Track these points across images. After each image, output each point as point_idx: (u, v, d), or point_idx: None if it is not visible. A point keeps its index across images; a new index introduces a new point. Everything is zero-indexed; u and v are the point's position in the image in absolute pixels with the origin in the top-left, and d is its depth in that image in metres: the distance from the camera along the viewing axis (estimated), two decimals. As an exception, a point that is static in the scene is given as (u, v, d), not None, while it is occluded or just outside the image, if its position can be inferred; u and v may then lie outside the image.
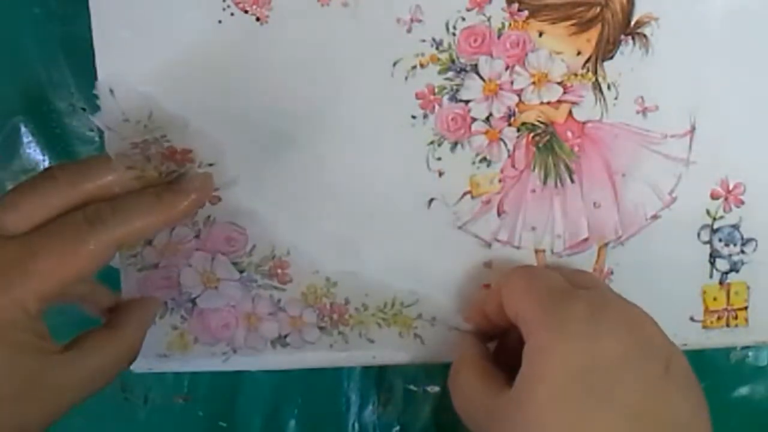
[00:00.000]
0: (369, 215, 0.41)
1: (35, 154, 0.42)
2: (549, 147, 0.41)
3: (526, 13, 0.40)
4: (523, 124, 0.41)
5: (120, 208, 0.34)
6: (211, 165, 0.39)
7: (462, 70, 0.40)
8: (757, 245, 0.42)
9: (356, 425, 0.45)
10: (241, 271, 0.41)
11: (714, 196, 0.42)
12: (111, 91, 0.38)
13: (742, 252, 0.42)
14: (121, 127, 0.38)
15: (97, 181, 0.34)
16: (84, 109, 0.42)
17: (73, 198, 0.34)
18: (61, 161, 0.42)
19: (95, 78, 0.38)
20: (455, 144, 0.40)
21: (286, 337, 0.42)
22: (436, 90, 0.40)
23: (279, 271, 0.41)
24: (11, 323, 0.31)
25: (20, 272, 0.31)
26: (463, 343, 0.40)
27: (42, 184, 0.33)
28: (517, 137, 0.41)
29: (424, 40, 0.40)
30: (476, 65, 0.40)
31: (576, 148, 0.41)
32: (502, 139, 0.41)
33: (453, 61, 0.40)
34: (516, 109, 0.40)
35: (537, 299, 0.35)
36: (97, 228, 0.33)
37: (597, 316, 0.34)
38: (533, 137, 0.41)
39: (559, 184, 0.41)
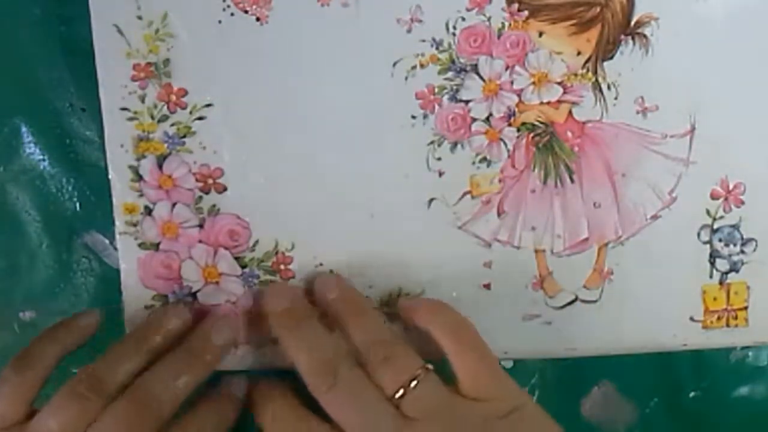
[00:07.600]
0: (369, 215, 0.41)
1: (35, 154, 0.42)
2: (549, 147, 0.41)
3: (526, 13, 0.40)
4: (523, 124, 0.41)
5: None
6: (208, 106, 0.39)
7: (462, 70, 0.40)
8: (757, 245, 0.42)
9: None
10: (243, 267, 0.41)
11: (714, 196, 0.42)
12: None
13: (742, 252, 0.42)
14: (131, 28, 0.38)
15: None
16: (84, 109, 0.42)
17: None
18: (59, 159, 0.42)
19: (95, 78, 0.38)
20: (455, 144, 0.40)
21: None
22: (436, 90, 0.40)
23: (282, 266, 0.41)
24: None
25: None
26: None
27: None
28: (517, 137, 0.41)
29: (424, 40, 0.40)
30: (476, 65, 0.40)
31: (576, 148, 0.41)
32: (502, 139, 0.41)
33: (453, 61, 0.40)
34: (516, 109, 0.40)
35: None
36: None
37: None
38: (533, 137, 0.41)
39: (559, 184, 0.41)
